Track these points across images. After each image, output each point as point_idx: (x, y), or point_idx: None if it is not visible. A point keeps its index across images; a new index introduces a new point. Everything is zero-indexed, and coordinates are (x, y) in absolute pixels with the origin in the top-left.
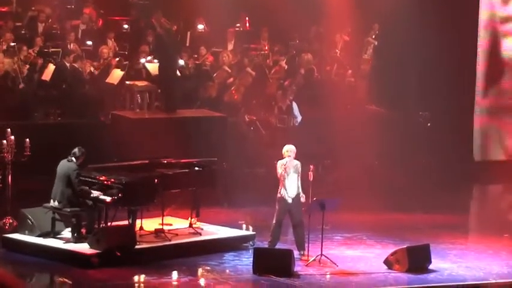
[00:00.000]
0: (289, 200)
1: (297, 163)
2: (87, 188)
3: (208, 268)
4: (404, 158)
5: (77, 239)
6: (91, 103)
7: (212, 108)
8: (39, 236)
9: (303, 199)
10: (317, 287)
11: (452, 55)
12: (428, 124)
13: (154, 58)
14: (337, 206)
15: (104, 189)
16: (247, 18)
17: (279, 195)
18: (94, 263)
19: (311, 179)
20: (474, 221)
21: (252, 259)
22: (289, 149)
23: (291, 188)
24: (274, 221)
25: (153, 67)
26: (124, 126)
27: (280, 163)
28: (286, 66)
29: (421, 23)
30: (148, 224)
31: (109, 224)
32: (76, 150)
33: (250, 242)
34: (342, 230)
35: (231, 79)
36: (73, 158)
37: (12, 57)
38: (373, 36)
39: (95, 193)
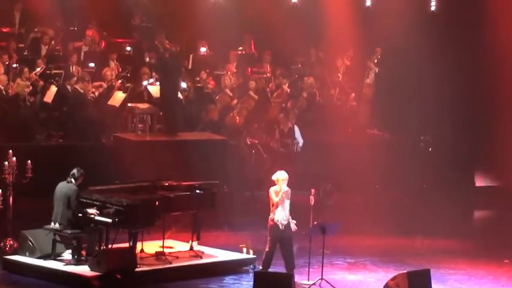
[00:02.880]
0: (282, 227)
1: (289, 189)
2: (87, 209)
3: None
4: (406, 182)
5: (78, 261)
6: (93, 125)
7: (214, 131)
8: (39, 257)
9: (294, 226)
10: None
11: (454, 78)
12: (430, 149)
13: (156, 80)
14: (338, 230)
15: (105, 211)
16: (252, 41)
17: (271, 222)
18: (94, 285)
19: (312, 203)
20: (475, 247)
21: (252, 283)
22: (284, 177)
23: (284, 215)
24: (267, 249)
25: (155, 89)
26: (126, 149)
27: (274, 190)
28: (288, 90)
29: (424, 47)
30: (149, 247)
31: (110, 246)
32: (75, 171)
33: (251, 266)
34: (342, 254)
35: (233, 102)
36: (72, 180)
37: (16, 78)
38: (375, 61)
39: (94, 214)
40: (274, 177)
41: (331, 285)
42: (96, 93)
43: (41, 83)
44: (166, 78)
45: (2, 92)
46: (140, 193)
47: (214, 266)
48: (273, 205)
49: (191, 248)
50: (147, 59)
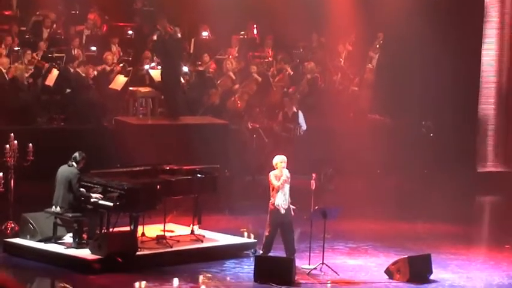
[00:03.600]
0: (283, 211)
1: (288, 173)
2: (88, 193)
3: (210, 275)
4: (407, 167)
5: (79, 244)
6: (94, 108)
7: (215, 115)
8: (40, 241)
9: (292, 212)
10: None
11: (456, 64)
12: (431, 134)
13: (158, 64)
14: (339, 214)
15: (106, 195)
16: (255, 26)
17: (272, 206)
18: (95, 269)
19: (313, 188)
20: (476, 232)
21: (253, 267)
22: (283, 160)
23: (285, 199)
24: (267, 233)
25: (156, 73)
26: (127, 132)
27: (274, 175)
28: (291, 72)
29: (426, 32)
30: (150, 231)
31: (111, 229)
32: (76, 154)
33: (252, 250)
34: (343, 239)
35: (236, 86)
36: (73, 163)
37: (18, 61)
38: (377, 46)
39: (95, 197)
40: (273, 161)
41: (331, 269)
42: (95, 73)
43: (46, 65)
44: (167, 61)
45: (4, 75)
46: (141, 177)
47: (215, 250)
48: (273, 189)
49: (192, 232)
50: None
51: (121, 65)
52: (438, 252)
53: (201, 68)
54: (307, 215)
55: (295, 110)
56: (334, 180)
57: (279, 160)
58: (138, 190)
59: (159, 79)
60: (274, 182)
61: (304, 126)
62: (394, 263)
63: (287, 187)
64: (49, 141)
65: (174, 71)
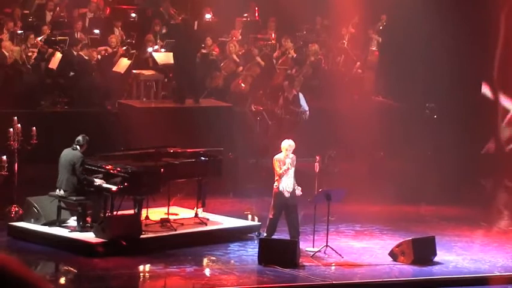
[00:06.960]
0: (287, 195)
1: (294, 156)
2: (91, 176)
3: (214, 258)
4: (411, 150)
5: (83, 227)
6: (98, 92)
7: (219, 98)
8: (44, 224)
9: (299, 192)
10: (322, 278)
11: (460, 46)
12: (435, 116)
13: (161, 47)
14: (343, 197)
15: (110, 178)
16: (256, 8)
17: (276, 190)
18: (99, 252)
19: (317, 170)
20: (480, 214)
21: (257, 249)
22: (291, 145)
23: (290, 182)
24: (271, 216)
25: (160, 56)
26: (130, 115)
27: (278, 159)
28: (294, 55)
29: (429, 13)
30: (154, 214)
31: (115, 213)
32: (80, 138)
33: (256, 233)
34: (348, 221)
35: (239, 69)
36: (77, 146)
37: (19, 45)
38: (380, 28)
39: (99, 181)
40: (282, 145)
41: (336, 252)
42: (99, 57)
43: (50, 50)
44: (178, 45)
45: (6, 59)
46: (145, 160)
47: (219, 232)
48: (277, 174)
49: (196, 215)
50: (157, 28)
51: (124, 48)
52: (442, 235)
53: (204, 51)
54: (311, 198)
55: (295, 92)
56: (338, 163)
57: (287, 145)
58: (142, 173)
59: (163, 62)
60: (277, 170)
61: (306, 108)
62: (398, 245)
63: (292, 170)
64: (53, 125)
65: (185, 55)
